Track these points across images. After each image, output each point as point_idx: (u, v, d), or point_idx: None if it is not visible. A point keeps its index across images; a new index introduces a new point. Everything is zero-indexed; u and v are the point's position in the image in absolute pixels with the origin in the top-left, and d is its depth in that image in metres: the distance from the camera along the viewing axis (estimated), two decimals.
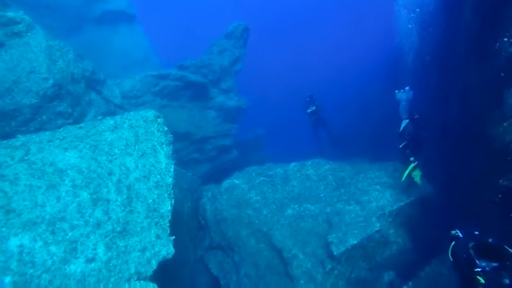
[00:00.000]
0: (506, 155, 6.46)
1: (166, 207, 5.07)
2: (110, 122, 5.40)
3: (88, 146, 5.12)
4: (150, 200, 5.02)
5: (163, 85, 12.01)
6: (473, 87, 7.76)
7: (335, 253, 7.51)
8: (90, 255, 4.16)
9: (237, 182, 9.88)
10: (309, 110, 12.43)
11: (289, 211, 8.80)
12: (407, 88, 10.16)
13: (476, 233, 4.91)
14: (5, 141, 5.11)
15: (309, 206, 8.84)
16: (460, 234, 5.06)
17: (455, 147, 9.02)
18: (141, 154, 5.24)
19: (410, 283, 8.46)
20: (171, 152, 5.47)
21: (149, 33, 16.90)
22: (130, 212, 4.85)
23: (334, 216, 8.37)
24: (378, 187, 8.91)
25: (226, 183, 9.98)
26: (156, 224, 4.90)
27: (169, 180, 5.22)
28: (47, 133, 5.24)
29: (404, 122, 8.98)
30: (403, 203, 8.46)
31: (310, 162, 10.23)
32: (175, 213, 8.87)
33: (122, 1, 15.74)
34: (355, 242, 7.62)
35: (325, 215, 8.51)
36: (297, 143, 18.45)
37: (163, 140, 5.45)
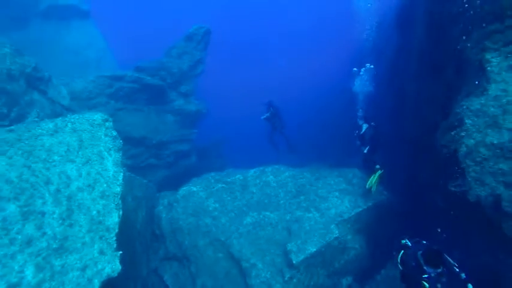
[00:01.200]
0: (453, 162, 6.67)
1: (113, 219, 4.53)
2: (48, 125, 4.76)
3: (20, 152, 4.45)
4: (95, 212, 4.46)
5: (118, 87, 11.27)
6: (425, 99, 8.02)
7: (294, 262, 7.31)
8: (14, 279, 3.53)
9: (194, 189, 9.41)
10: (263, 117, 12.31)
11: (248, 219, 8.49)
12: (367, 65, 9.98)
13: (424, 242, 5.26)
14: None
15: (268, 213, 8.60)
16: (409, 243, 5.36)
17: (409, 154, 9.28)
18: (85, 161, 4.66)
19: (367, 287, 8.52)
20: (120, 159, 4.94)
21: (105, 32, 15.86)
22: (70, 225, 4.26)
23: (293, 223, 8.19)
24: (337, 194, 8.89)
25: (183, 190, 9.46)
26: (100, 238, 4.35)
27: (117, 189, 4.69)
28: None
29: (365, 126, 9.03)
30: (360, 209, 8.49)
31: (270, 169, 10.03)
32: (128, 223, 8.22)
33: None
34: (314, 249, 7.47)
35: (285, 222, 8.31)
36: (259, 148, 18.25)
37: (111, 146, 4.91)
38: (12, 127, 4.68)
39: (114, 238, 4.47)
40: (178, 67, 11.97)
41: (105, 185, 4.65)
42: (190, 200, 9.10)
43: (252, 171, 9.86)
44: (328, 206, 8.59)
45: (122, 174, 4.83)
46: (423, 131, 8.20)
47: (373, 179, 8.40)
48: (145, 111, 12.06)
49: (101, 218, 4.46)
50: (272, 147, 12.72)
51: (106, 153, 4.81)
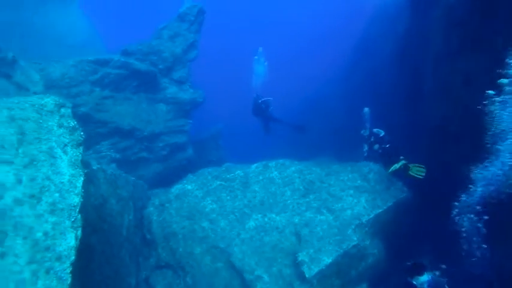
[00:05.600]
0: None
1: (68, 242, 3.14)
2: None
3: None
4: (40, 234, 3.07)
5: (104, 73, 9.74)
6: (460, 79, 6.63)
7: (307, 276, 5.96)
8: None
9: (189, 187, 8.01)
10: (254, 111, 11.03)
11: (251, 223, 7.13)
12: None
13: None
14: None
15: (273, 215, 7.23)
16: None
17: (432, 144, 7.94)
18: (28, 161, 3.25)
19: None
20: (80, 158, 3.52)
21: (94, 16, 14.20)
22: (1, 256, 2.88)
23: (303, 227, 6.83)
24: (351, 192, 7.52)
25: (176, 188, 8.06)
26: (47, 271, 2.97)
27: (75, 200, 3.29)
28: None
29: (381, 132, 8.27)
30: (380, 210, 7.14)
31: (273, 163, 8.61)
32: (112, 229, 6.83)
33: None
34: (329, 260, 6.13)
35: (293, 226, 6.95)
36: (259, 141, 16.83)
37: (67, 141, 3.48)
38: None
39: (69, 269, 3.09)
40: (170, 51, 10.43)
41: (56, 195, 3.24)
42: (184, 200, 7.72)
43: (253, 167, 8.46)
44: (342, 206, 7.23)
45: (82, 178, 3.41)
46: (453, 117, 6.86)
47: (397, 165, 7.32)
48: (135, 100, 10.58)
49: (49, 242, 3.07)
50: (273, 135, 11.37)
51: (59, 151, 3.39)
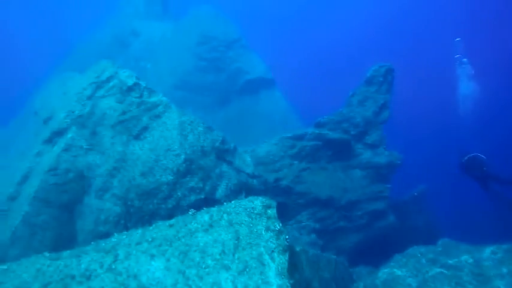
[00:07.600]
0: None
1: None
2: (204, 217, 3.74)
3: (177, 253, 3.53)
4: None
5: (300, 146, 10.34)
6: None
7: None
8: None
9: (399, 272, 6.67)
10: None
11: None
12: None
13: None
14: (99, 242, 4.13)
15: None
16: None
17: None
18: (242, 268, 3.29)
19: None
20: (286, 265, 3.32)
21: (288, 95, 16.21)
22: None
23: None
24: None
25: (383, 273, 6.89)
26: None
27: None
28: (138, 231, 3.99)
29: None
30: None
31: None
32: None
33: (260, 68, 15.71)
34: None
35: None
36: (475, 203, 13.32)
37: (274, 246, 3.37)
38: (172, 221, 3.94)
39: None
40: (361, 116, 10.04)
41: None
42: None
43: (488, 251, 6.24)
44: None
45: None
46: None
47: None
48: (330, 169, 10.56)
49: None
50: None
51: (267, 257, 3.29)
